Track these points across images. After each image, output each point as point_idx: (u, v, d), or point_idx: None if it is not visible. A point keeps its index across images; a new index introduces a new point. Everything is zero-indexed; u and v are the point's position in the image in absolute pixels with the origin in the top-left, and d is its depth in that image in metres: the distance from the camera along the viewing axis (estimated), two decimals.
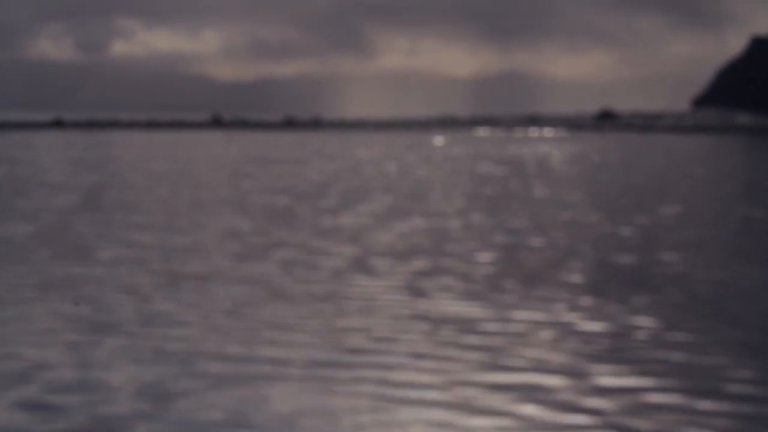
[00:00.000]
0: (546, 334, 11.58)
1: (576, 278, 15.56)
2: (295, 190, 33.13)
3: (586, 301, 13.68)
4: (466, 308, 13.15)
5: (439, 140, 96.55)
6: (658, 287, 14.74)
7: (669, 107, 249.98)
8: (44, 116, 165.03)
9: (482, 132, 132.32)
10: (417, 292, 14.29)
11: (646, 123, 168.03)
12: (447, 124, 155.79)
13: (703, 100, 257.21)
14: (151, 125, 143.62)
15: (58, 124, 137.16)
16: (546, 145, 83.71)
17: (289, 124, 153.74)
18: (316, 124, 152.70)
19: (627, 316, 12.61)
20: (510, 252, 18.43)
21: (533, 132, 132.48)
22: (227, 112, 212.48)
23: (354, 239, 20.23)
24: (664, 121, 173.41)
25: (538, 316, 12.72)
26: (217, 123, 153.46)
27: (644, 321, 12.32)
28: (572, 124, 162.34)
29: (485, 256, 17.84)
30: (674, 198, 30.60)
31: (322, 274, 15.89)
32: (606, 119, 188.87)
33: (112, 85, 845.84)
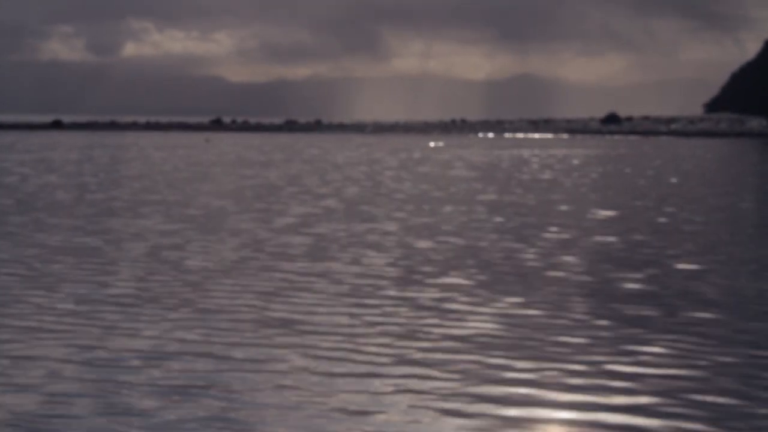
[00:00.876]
0: (368, 331, 11.17)
1: (450, 279, 15.13)
2: (240, 194, 32.67)
3: (435, 301, 13.26)
4: (309, 308, 12.75)
5: (434, 143, 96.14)
6: (527, 289, 14.28)
7: (684, 111, 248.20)
8: (53, 118, 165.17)
9: (485, 135, 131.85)
10: (270, 295, 13.89)
11: (651, 127, 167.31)
12: (447, 127, 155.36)
13: (715, 104, 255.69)
14: (150, 126, 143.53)
15: (57, 125, 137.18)
16: (539, 149, 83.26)
17: (290, 126, 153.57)
18: (316, 127, 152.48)
19: (469, 317, 12.15)
20: (401, 254, 17.98)
21: (537, 135, 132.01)
22: (239, 114, 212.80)
23: (252, 243, 19.74)
24: (671, 125, 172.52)
25: (372, 311, 12.31)
26: (218, 124, 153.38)
27: (490, 324, 11.86)
28: (579, 127, 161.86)
29: (371, 260, 17.37)
30: (615, 203, 30.14)
31: (186, 276, 15.51)
32: (612, 123, 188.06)
33: (124, 86, 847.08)
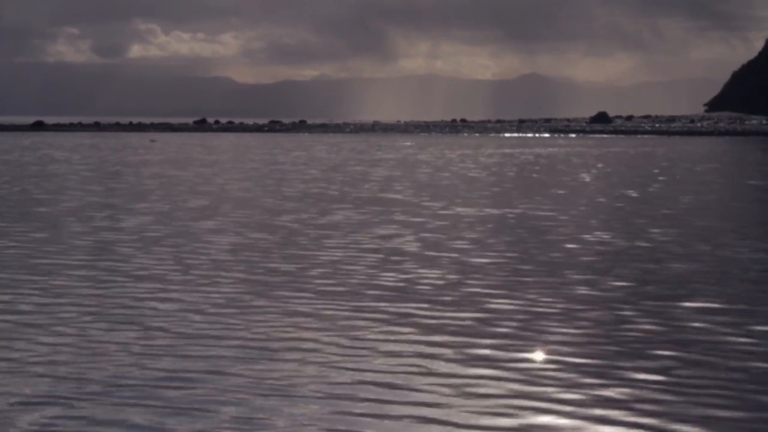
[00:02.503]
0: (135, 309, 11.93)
1: (228, 273, 15.84)
2: (118, 193, 33.28)
3: (212, 288, 14.03)
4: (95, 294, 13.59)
5: (406, 144, 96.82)
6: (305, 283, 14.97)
7: (693, 111, 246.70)
8: (59, 120, 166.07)
9: (470, 135, 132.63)
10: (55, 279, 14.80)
11: (635, 126, 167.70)
12: (438, 127, 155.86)
13: (716, 103, 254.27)
14: (133, 128, 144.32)
15: (38, 125, 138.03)
16: (495, 149, 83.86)
17: (272, 126, 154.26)
18: (299, 127, 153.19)
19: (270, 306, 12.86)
20: (214, 251, 18.68)
21: (520, 134, 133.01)
22: (247, 116, 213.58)
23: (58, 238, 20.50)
24: (656, 125, 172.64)
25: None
26: (201, 125, 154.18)
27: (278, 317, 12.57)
28: (562, 127, 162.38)
29: (170, 255, 18.07)
30: (495, 201, 30.71)
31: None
32: (600, 122, 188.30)
33: (130, 88, 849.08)
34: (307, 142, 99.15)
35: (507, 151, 77.05)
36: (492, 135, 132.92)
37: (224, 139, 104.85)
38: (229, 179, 40.08)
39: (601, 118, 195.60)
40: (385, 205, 28.00)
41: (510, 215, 25.25)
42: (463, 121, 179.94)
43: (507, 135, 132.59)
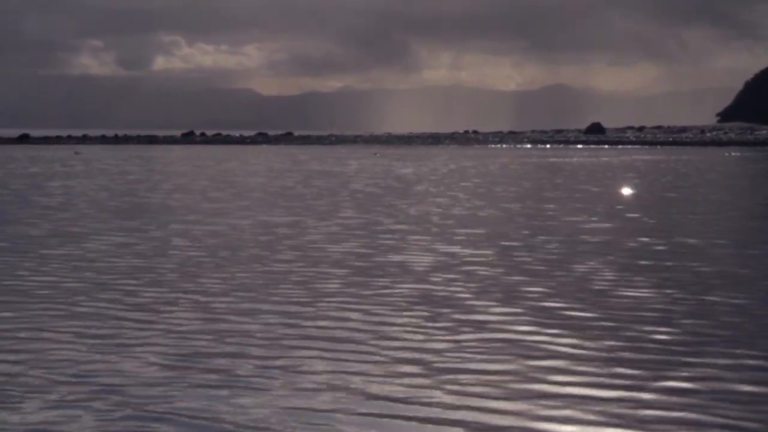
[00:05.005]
0: None
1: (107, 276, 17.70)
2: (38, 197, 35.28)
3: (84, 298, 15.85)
4: None
5: (376, 153, 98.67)
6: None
7: (710, 120, 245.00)
8: (82, 132, 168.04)
9: (447, 146, 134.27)
10: None
11: (620, 137, 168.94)
12: (410, 139, 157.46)
13: (729, 113, 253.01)
14: (119, 140, 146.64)
15: (24, 138, 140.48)
16: (450, 161, 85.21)
17: (255, 138, 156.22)
18: (285, 138, 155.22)
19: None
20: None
21: (505, 145, 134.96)
22: (274, 128, 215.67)
23: None
24: (652, 135, 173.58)
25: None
26: (188, 137, 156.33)
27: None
28: (551, 138, 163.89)
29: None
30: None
31: None
32: (593, 133, 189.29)
33: (154, 100, 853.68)
34: (267, 154, 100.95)
35: (435, 165, 78.72)
36: (474, 146, 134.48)
37: (179, 152, 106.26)
38: (78, 190, 41.92)
39: (595, 129, 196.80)
40: (202, 214, 29.80)
41: (273, 223, 27.01)
42: (475, 132, 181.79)
43: (492, 146, 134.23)
